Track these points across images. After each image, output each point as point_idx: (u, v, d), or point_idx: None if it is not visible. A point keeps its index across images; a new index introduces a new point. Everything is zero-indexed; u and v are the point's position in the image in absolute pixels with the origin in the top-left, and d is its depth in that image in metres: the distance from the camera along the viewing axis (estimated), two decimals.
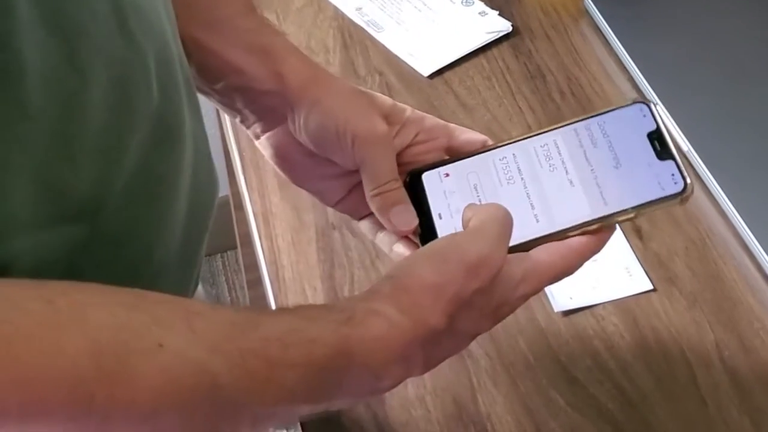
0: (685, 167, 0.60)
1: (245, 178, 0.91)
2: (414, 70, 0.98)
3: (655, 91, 0.92)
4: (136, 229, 0.51)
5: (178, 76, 0.53)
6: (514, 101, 0.95)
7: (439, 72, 0.98)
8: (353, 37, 1.02)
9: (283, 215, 0.86)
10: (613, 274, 0.80)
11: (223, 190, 1.56)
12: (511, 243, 0.60)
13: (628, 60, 0.96)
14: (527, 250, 0.61)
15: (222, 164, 1.54)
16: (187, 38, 0.61)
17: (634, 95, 0.93)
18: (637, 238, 0.82)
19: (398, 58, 1.00)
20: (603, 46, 0.99)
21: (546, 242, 0.61)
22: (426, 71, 0.98)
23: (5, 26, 0.38)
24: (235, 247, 1.75)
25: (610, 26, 0.99)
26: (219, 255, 2.17)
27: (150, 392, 0.42)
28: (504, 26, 1.01)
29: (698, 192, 0.85)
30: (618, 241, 0.82)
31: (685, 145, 0.87)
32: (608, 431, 0.71)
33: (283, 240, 0.85)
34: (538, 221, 0.61)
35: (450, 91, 0.96)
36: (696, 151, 0.86)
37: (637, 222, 0.83)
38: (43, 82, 0.40)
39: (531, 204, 0.61)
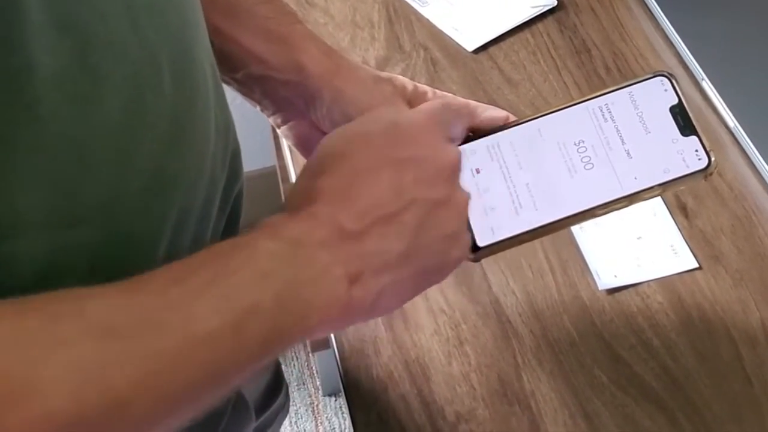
0: (707, 142, 0.60)
1: (291, 153, 0.92)
2: (459, 45, 0.98)
3: (701, 67, 0.91)
4: (153, 229, 0.49)
5: (198, 72, 0.52)
6: (560, 76, 0.94)
7: (484, 47, 0.98)
8: (398, 12, 1.02)
9: None
10: (658, 252, 0.80)
11: (270, 161, 1.58)
12: (539, 223, 0.60)
13: (674, 35, 0.95)
14: (557, 231, 0.61)
15: (268, 136, 1.55)
16: (207, 26, 0.59)
17: (680, 71, 0.93)
18: (683, 215, 0.82)
19: (443, 32, 0.99)
20: (649, 20, 0.99)
21: (574, 222, 0.61)
22: (471, 46, 0.98)
23: (13, 30, 0.38)
24: None
25: (656, 0, 0.98)
26: None
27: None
28: (549, 0, 1.01)
29: (744, 169, 0.85)
30: (663, 218, 0.82)
31: (732, 121, 0.86)
32: (652, 409, 0.71)
33: None
34: (564, 199, 0.61)
35: (495, 66, 0.96)
36: (742, 128, 0.86)
37: (683, 199, 0.83)
38: (53, 84, 0.40)
39: (557, 182, 0.61)
